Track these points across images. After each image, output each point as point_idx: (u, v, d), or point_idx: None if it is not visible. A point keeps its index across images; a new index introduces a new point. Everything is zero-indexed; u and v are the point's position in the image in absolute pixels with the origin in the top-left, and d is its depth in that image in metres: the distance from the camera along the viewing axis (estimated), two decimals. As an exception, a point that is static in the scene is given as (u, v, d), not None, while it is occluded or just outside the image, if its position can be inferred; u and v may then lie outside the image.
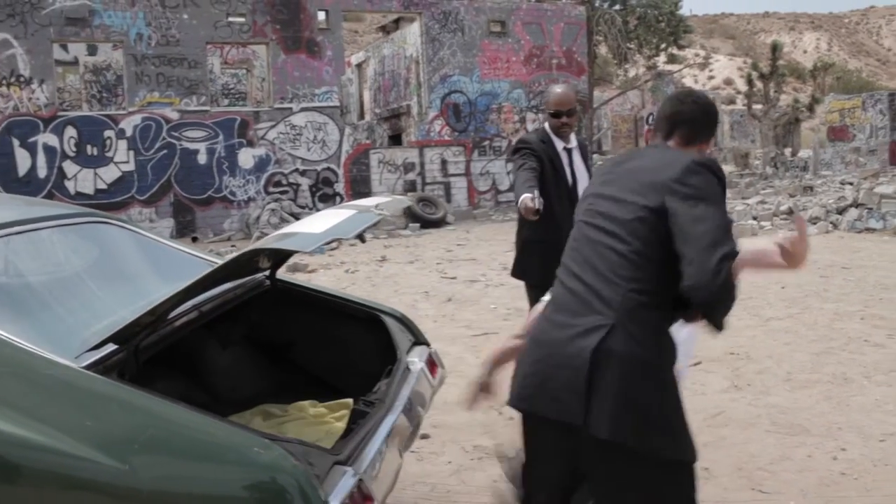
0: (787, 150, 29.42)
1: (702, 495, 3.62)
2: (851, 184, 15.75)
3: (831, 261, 9.91)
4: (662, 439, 2.06)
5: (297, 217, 14.22)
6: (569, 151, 4.33)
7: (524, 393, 2.29)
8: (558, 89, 4.42)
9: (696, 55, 68.53)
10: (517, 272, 4.55)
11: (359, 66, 22.68)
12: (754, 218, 13.87)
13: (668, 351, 2.13)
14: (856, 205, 13.47)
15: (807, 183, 16.87)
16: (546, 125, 4.38)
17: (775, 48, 33.34)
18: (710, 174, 2.14)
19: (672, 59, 32.40)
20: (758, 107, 30.51)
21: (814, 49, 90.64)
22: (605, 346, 2.05)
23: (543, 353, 2.21)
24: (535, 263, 4.27)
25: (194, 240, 15.55)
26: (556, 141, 4.31)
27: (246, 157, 16.35)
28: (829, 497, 3.60)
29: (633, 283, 2.10)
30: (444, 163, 17.56)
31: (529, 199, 3.87)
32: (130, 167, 15.85)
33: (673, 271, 2.04)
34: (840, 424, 4.47)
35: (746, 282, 7.67)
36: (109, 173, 15.76)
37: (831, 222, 13.09)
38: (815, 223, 13.07)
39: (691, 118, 2.41)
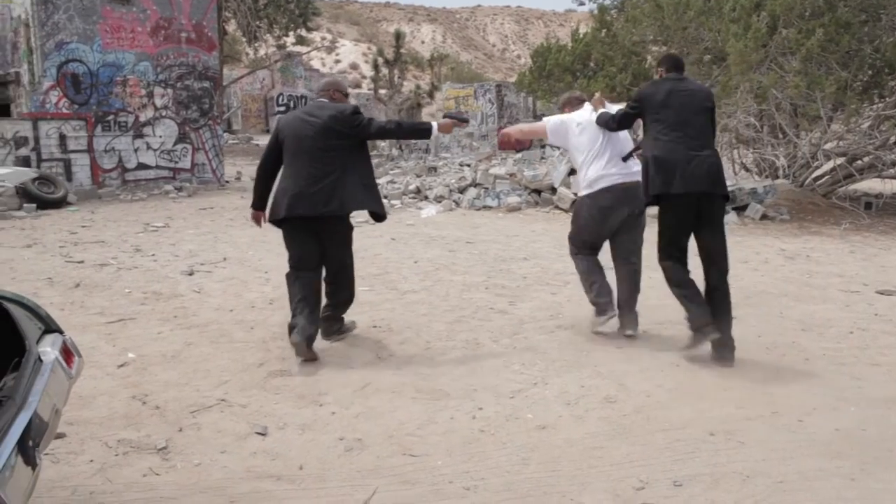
0: (411, 134, 31.04)
1: (356, 465, 3.71)
2: (469, 165, 17.04)
3: (457, 236, 10.66)
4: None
5: None
6: None
7: (692, 182, 5.08)
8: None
9: (324, 39, 69.96)
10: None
11: (-47, 25, 19.97)
12: (385, 197, 14.48)
13: None
14: (474, 184, 14.63)
15: (430, 164, 17.95)
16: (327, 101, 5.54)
17: (398, 37, 34.99)
18: None
19: (301, 41, 32.78)
20: (383, 91, 31.88)
21: (430, 40, 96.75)
22: (716, 159, 5.21)
23: (687, 163, 5.08)
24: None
25: None
26: None
27: None
28: (471, 453, 3.86)
29: (711, 136, 5.36)
30: (62, 138, 16.05)
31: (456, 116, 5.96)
32: None
33: None
34: (476, 386, 4.81)
35: (382, 258, 8.06)
36: None
37: (454, 201, 14.08)
38: (440, 201, 13.97)
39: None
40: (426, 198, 14.58)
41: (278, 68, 41.87)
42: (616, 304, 5.76)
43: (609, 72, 19.03)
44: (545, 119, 6.22)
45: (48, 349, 3.02)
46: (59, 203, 14.17)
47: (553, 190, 13.53)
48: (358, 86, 57.06)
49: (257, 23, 28.51)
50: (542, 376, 4.99)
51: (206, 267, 8.46)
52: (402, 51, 33.57)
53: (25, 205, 13.44)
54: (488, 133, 29.16)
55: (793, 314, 6.57)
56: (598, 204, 5.71)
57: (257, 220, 5.74)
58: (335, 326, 5.65)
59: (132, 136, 17.23)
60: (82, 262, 8.75)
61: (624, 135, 5.91)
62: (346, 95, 5.68)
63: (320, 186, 5.23)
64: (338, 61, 77.31)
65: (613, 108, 5.80)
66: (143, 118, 17.40)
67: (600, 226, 5.77)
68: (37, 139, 15.76)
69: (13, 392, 2.66)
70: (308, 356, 5.23)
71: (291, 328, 5.30)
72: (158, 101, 17.64)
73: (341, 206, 5.26)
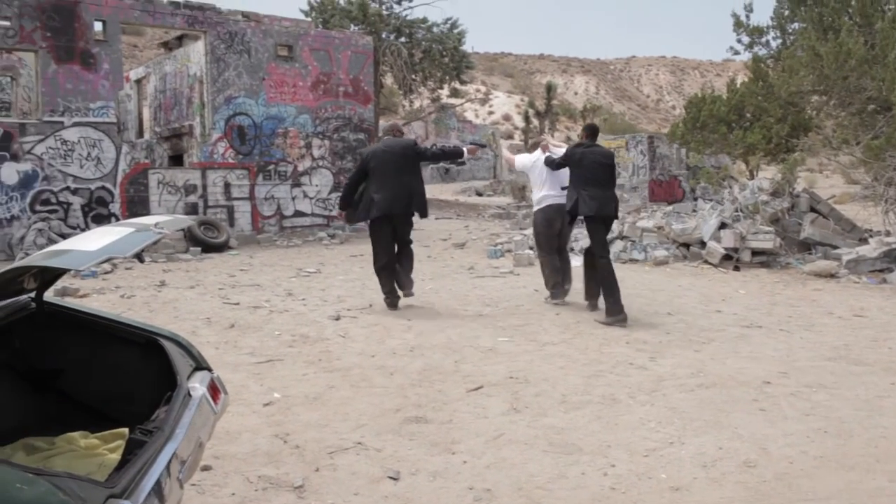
0: (560, 185, 31.03)
1: (484, 515, 3.72)
2: (617, 218, 16.84)
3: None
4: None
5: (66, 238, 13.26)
6: None
7: (597, 208, 8.18)
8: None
9: (478, 90, 71.27)
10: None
11: (138, 81, 21.68)
12: (530, 248, 14.51)
13: None
14: (621, 237, 14.45)
15: (578, 216, 17.88)
16: (392, 138, 8.98)
17: (550, 88, 35.32)
18: None
19: (454, 93, 33.48)
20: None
21: (583, 91, 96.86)
22: (615, 196, 8.57)
23: (602, 198, 8.23)
24: None
25: (-55, 261, 14.13)
26: None
27: (9, 172, 15.01)
28: (601, 511, 3.80)
29: (612, 182, 8.60)
30: (227, 186, 17.08)
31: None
32: None
33: None
34: (609, 442, 4.73)
35: (524, 309, 8.04)
36: None
37: (599, 253, 13.93)
38: (585, 253, 13.87)
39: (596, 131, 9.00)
40: (571, 249, 14.50)
41: (432, 120, 42.95)
42: (565, 289, 9.26)
43: (766, 122, 18.48)
44: (517, 156, 10.05)
45: (197, 385, 3.22)
46: (222, 247, 15.02)
47: (702, 244, 13.19)
48: (510, 137, 57.43)
49: (413, 76, 29.41)
50: (678, 435, 4.86)
51: (352, 312, 8.74)
52: (554, 102, 33.81)
53: (191, 248, 14.33)
54: (639, 185, 28.77)
55: (960, 382, 6.12)
56: (545, 216, 9.07)
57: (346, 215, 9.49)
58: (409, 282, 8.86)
59: (290, 184, 18.10)
60: (238, 303, 9.23)
61: (564, 171, 8.76)
62: (403, 133, 9.03)
63: (404, 194, 8.50)
64: (491, 112, 78.42)
65: (557, 151, 9.02)
66: (301, 168, 18.26)
67: (550, 230, 9.11)
68: (204, 187, 16.83)
69: (163, 424, 2.85)
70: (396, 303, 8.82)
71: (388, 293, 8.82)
72: (316, 152, 18.48)
73: (417, 207, 8.66)
